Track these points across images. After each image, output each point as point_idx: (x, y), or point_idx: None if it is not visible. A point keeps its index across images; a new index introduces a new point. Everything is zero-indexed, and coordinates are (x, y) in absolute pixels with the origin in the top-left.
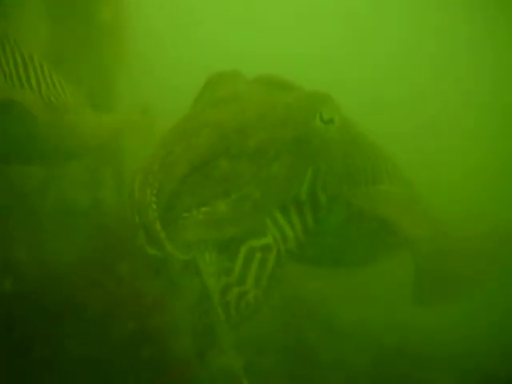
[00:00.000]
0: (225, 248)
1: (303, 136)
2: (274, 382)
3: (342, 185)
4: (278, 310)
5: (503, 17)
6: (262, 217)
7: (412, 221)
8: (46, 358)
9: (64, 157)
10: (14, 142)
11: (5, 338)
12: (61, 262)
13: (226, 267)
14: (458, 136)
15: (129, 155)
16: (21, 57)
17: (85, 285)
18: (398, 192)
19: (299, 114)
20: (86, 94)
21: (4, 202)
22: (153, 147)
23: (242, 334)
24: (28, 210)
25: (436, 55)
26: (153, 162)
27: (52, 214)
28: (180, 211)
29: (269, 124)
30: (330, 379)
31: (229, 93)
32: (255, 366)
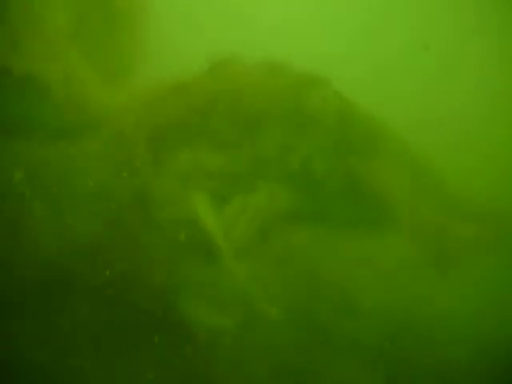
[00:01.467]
0: (217, 197)
1: (297, 109)
2: (286, 358)
3: (337, 154)
4: (291, 286)
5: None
6: (253, 179)
7: (410, 199)
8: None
9: (80, 132)
10: (31, 116)
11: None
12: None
13: (217, 215)
14: (473, 127)
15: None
16: (46, 35)
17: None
18: (395, 167)
19: (295, 90)
20: (102, 73)
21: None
22: None
23: (253, 308)
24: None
25: (448, 44)
26: (145, 110)
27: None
28: (171, 148)
29: (266, 97)
30: (343, 355)
31: (230, 72)
32: (268, 342)
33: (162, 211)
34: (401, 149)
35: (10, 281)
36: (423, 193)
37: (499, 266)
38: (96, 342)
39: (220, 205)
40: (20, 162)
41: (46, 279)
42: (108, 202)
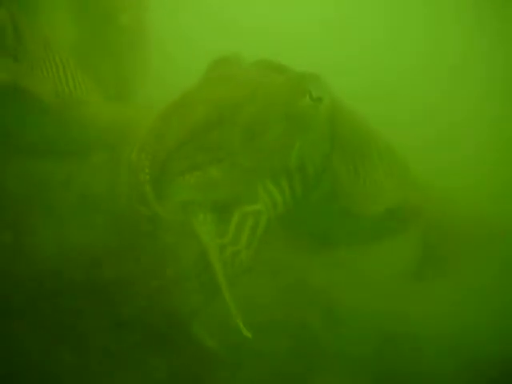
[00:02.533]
0: (218, 211)
1: (293, 112)
2: (275, 365)
3: (329, 159)
4: (282, 294)
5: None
6: (253, 184)
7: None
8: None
9: (80, 150)
10: (27, 134)
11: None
12: (80, 248)
13: (220, 229)
14: (471, 147)
15: None
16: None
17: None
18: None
19: (289, 92)
20: (104, 90)
21: (25, 194)
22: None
23: (245, 317)
24: (50, 202)
25: (450, 63)
26: (150, 132)
27: (73, 206)
28: (173, 175)
29: (260, 100)
30: (329, 366)
31: (226, 73)
32: (257, 349)
33: (164, 233)
34: (390, 151)
35: (10, 287)
36: (413, 195)
37: (489, 275)
38: (98, 345)
39: (222, 220)
40: (20, 173)
41: (47, 287)
42: (108, 214)
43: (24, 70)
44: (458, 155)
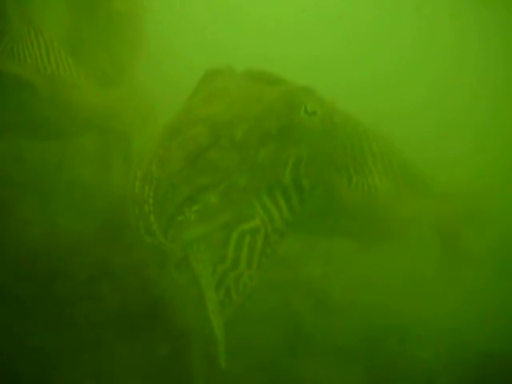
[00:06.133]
0: (217, 237)
1: (287, 126)
2: (266, 355)
3: (323, 172)
4: (274, 290)
5: None
6: (249, 201)
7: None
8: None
9: (69, 131)
10: (19, 115)
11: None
12: (71, 237)
13: (219, 255)
14: (470, 139)
15: (136, 136)
16: (38, 37)
17: (92, 260)
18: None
19: (284, 107)
20: (96, 76)
21: (16, 177)
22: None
23: (238, 311)
24: (40, 186)
25: (445, 56)
26: (151, 161)
27: (64, 190)
28: (175, 207)
29: (255, 116)
30: (321, 356)
31: (219, 88)
32: (248, 339)
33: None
34: (387, 151)
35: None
36: (410, 193)
37: (479, 266)
38: (94, 334)
39: (219, 245)
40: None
41: (37, 273)
42: (99, 202)
43: (4, 47)
44: (457, 148)
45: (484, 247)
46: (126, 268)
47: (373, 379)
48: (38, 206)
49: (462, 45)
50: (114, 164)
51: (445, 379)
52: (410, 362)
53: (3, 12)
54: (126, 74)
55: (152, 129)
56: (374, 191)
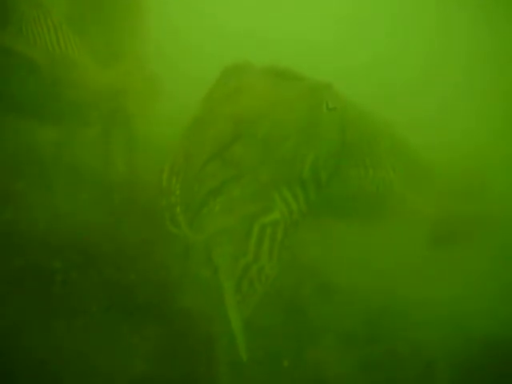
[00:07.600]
0: (239, 229)
1: (310, 122)
2: (267, 339)
3: (341, 165)
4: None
5: (502, 4)
6: (270, 194)
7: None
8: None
9: (72, 112)
10: (22, 95)
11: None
12: (72, 222)
13: (242, 248)
14: (458, 130)
15: (139, 119)
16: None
17: (94, 243)
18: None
19: (307, 104)
20: (98, 56)
21: (15, 158)
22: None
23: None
24: (40, 169)
25: (436, 46)
26: (178, 154)
27: (64, 173)
28: (201, 199)
29: (277, 112)
30: (322, 339)
31: (241, 85)
32: (249, 323)
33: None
34: (399, 145)
35: (4, 265)
36: (414, 180)
37: (479, 252)
38: (95, 325)
39: (241, 238)
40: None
41: (42, 264)
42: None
43: (14, 29)
44: (456, 129)
45: (485, 230)
46: (122, 254)
47: (373, 362)
48: (38, 188)
49: (447, 26)
50: (115, 148)
51: (444, 364)
52: (410, 346)
53: None
54: (129, 57)
55: (155, 113)
56: (389, 184)
